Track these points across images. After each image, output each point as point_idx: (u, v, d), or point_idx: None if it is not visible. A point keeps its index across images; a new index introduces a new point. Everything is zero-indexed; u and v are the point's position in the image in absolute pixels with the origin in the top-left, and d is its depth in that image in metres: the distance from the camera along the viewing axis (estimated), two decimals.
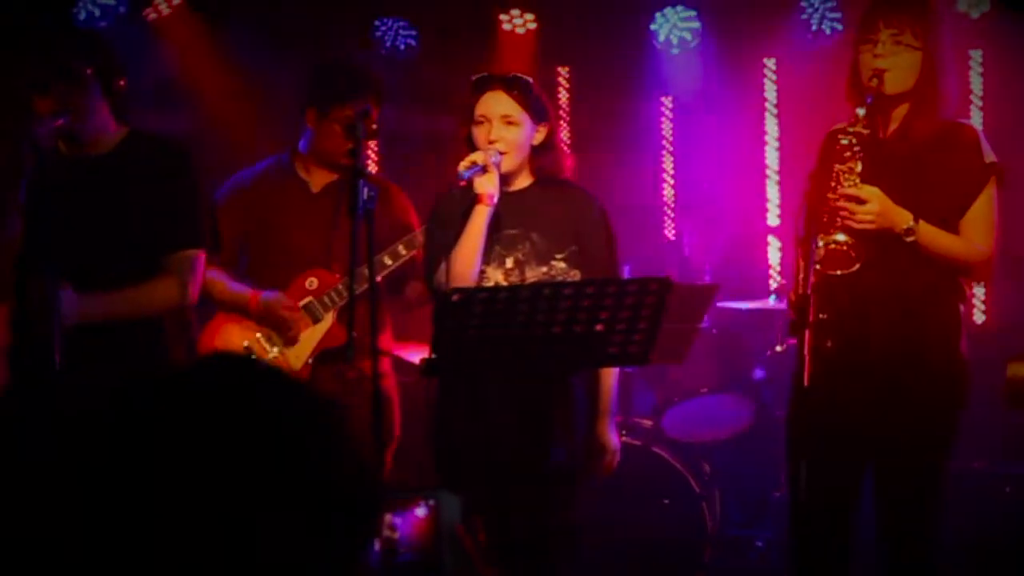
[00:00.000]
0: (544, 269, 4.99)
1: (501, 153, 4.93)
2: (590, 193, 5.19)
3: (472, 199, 4.90)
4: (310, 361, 5.79)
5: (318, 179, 5.90)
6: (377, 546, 5.00)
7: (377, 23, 8.62)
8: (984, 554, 6.49)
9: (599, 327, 4.42)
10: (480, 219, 4.90)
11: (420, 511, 5.00)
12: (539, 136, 5.05)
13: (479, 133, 4.98)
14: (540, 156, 5.08)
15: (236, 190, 5.87)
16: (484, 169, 4.87)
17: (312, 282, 5.80)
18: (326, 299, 5.78)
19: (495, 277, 4.99)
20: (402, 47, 8.62)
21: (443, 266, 4.94)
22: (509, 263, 5.01)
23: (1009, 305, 8.12)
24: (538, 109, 5.04)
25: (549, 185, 5.10)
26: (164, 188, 4.85)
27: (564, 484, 5.02)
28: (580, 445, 5.05)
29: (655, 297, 4.38)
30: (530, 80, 5.07)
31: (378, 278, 5.41)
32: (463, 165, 4.87)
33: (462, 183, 4.88)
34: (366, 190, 4.76)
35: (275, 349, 5.78)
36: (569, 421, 4.98)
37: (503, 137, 4.95)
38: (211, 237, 5.05)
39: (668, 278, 4.40)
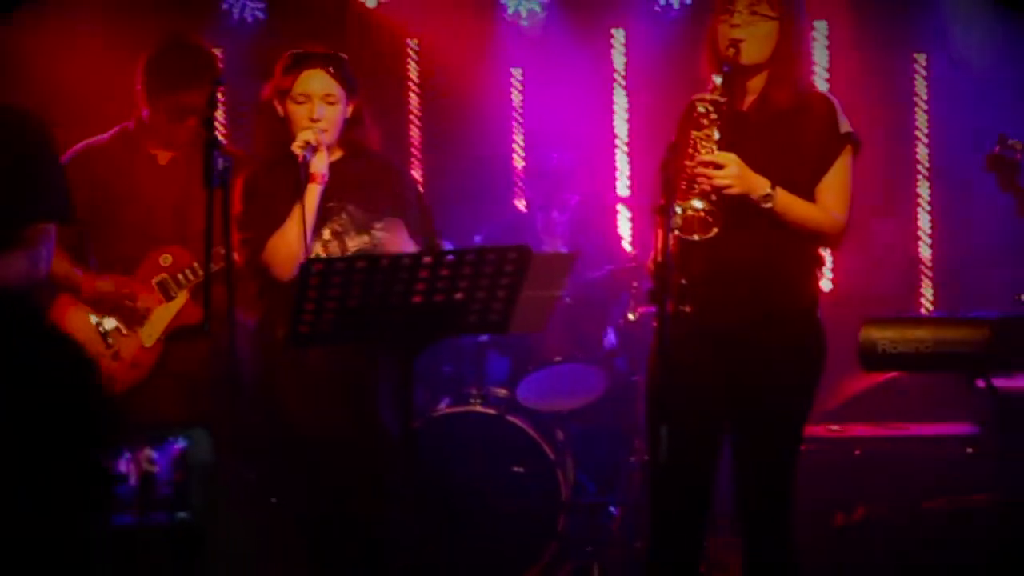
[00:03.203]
0: (366, 238, 5.09)
1: (323, 131, 5.03)
2: (398, 164, 5.30)
3: (304, 178, 4.98)
4: (162, 339, 5.73)
5: (164, 152, 5.84)
6: (134, 479, 5.04)
7: None
8: (832, 516, 6.60)
9: (459, 296, 4.43)
10: (313, 198, 5.01)
11: (178, 447, 5.05)
12: (349, 110, 5.16)
13: (299, 111, 5.09)
14: (350, 130, 5.19)
15: (80, 161, 5.76)
16: (316, 148, 4.94)
17: (167, 259, 5.75)
18: (180, 277, 5.73)
19: (314, 249, 5.05)
20: (250, 19, 8.54)
21: (271, 244, 4.96)
22: (326, 234, 5.09)
23: (853, 273, 8.27)
24: (352, 85, 5.16)
25: (359, 157, 5.23)
26: (14, 159, 4.73)
27: (393, 451, 5.05)
28: (406, 412, 5.10)
29: (514, 265, 4.40)
30: (345, 57, 5.19)
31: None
32: (299, 147, 4.99)
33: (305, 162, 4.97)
34: (221, 160, 4.72)
35: (124, 329, 5.71)
36: (395, 388, 5.01)
37: (325, 116, 5.08)
38: (65, 209, 4.96)
39: (527, 246, 4.42)
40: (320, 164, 4.99)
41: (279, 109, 5.13)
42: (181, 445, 4.98)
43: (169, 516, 4.99)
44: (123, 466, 5.02)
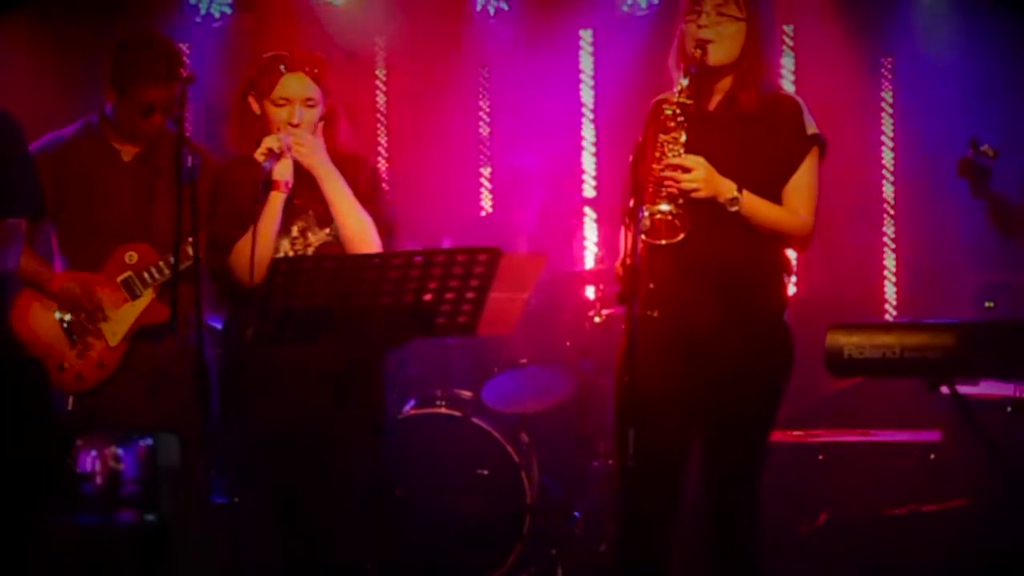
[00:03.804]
0: (327, 230, 5.04)
1: (290, 135, 4.99)
2: (364, 157, 5.28)
3: (267, 185, 4.94)
4: (128, 338, 5.69)
5: (128, 148, 5.81)
6: (100, 479, 5.01)
7: None
8: (795, 521, 6.62)
9: (428, 297, 4.41)
10: (276, 206, 4.96)
11: (144, 446, 5.02)
12: (324, 110, 5.12)
13: (279, 114, 5.05)
14: (321, 127, 5.13)
15: (42, 156, 5.71)
16: (279, 155, 4.91)
17: (132, 256, 5.71)
18: (146, 275, 5.69)
19: (282, 247, 5.02)
20: (217, 15, 8.51)
21: (237, 248, 4.95)
22: (294, 231, 5.07)
23: (820, 277, 8.28)
24: (328, 87, 5.11)
25: (329, 154, 5.13)
26: None
27: (363, 451, 5.04)
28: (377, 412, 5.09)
29: (484, 267, 4.38)
30: (325, 58, 5.16)
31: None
32: (262, 155, 4.96)
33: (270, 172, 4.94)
34: (190, 158, 4.70)
35: (89, 327, 5.67)
36: (364, 388, 4.99)
37: (304, 119, 5.04)
38: (36, 205, 4.93)
39: (498, 248, 4.40)
40: (284, 172, 4.95)
41: (255, 107, 5.09)
42: (148, 443, 4.92)
43: (135, 515, 4.94)
44: (89, 464, 4.98)
